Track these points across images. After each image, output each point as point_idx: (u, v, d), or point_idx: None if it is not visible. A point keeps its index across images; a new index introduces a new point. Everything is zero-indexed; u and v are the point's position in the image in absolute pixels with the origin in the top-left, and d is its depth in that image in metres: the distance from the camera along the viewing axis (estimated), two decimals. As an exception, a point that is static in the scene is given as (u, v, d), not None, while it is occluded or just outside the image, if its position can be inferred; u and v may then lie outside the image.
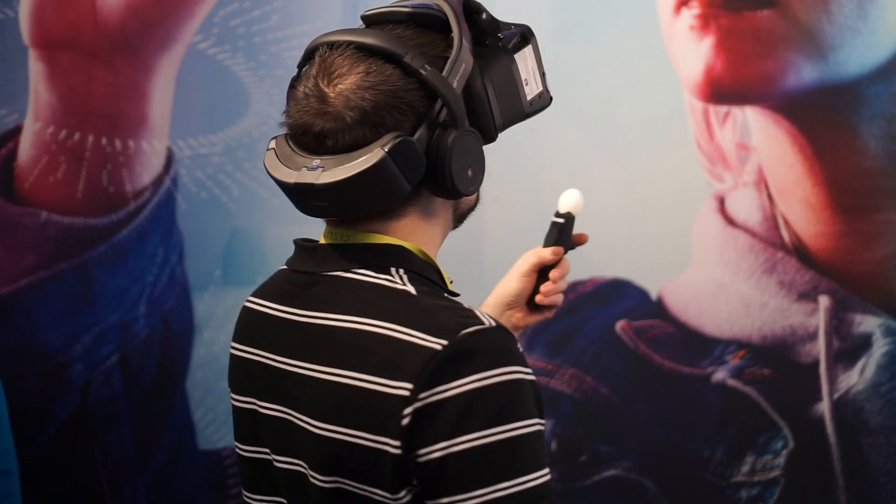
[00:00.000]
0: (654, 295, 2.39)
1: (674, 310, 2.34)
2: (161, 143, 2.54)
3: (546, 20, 2.43)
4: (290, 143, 1.21)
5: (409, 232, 1.23)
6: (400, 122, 1.17)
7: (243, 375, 1.30)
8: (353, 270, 1.20)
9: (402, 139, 1.15)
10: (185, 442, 2.55)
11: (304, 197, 1.19)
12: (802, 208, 2.31)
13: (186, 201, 2.53)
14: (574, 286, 2.40)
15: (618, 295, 2.40)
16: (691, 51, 2.32)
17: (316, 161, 1.17)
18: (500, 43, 1.26)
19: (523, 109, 1.26)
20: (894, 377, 2.25)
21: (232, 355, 1.33)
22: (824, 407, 2.29)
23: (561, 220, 1.51)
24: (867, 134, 2.26)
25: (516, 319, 1.51)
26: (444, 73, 1.18)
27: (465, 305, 1.18)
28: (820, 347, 2.29)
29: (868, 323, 2.27)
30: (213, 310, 2.53)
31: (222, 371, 2.54)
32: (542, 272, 1.50)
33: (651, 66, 2.36)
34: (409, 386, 1.11)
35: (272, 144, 1.23)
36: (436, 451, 1.11)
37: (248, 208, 2.52)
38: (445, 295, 1.21)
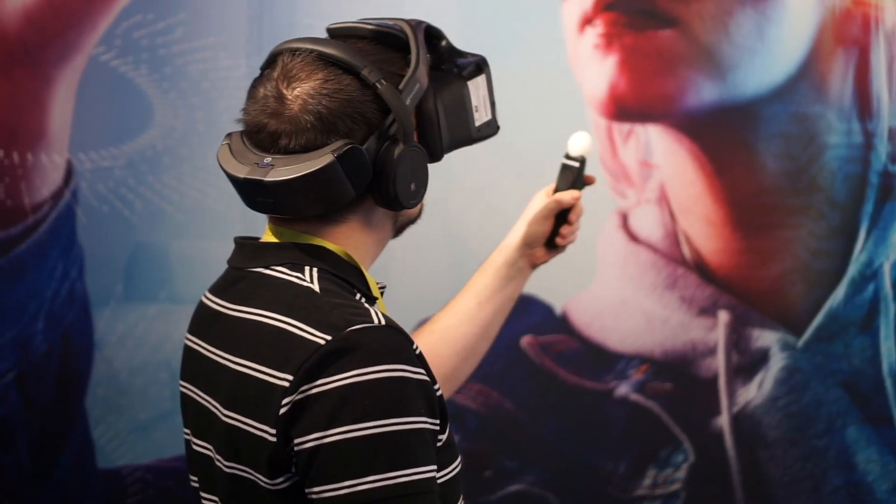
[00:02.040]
0: (558, 310, 2.40)
1: (578, 325, 2.36)
2: (61, 156, 2.49)
3: (452, 36, 2.44)
4: (245, 139, 1.26)
5: (344, 238, 1.28)
6: (352, 131, 1.22)
7: (186, 363, 1.37)
8: (272, 267, 1.26)
9: (352, 146, 1.20)
10: (84, 461, 2.50)
11: (252, 192, 1.24)
12: (703, 225, 2.35)
13: (87, 215, 2.48)
14: (479, 302, 2.41)
15: (523, 310, 2.41)
16: (595, 69, 2.35)
17: (268, 158, 1.22)
18: (455, 69, 1.34)
19: (471, 134, 1.34)
20: (791, 391, 2.30)
21: (184, 345, 1.41)
22: (723, 421, 2.32)
23: (576, 164, 1.62)
24: (765, 153, 2.31)
25: (536, 258, 1.67)
26: (399, 90, 1.24)
27: (366, 306, 1.22)
28: (719, 362, 2.33)
29: (766, 338, 2.31)
30: (114, 326, 2.49)
31: (123, 388, 2.51)
32: (559, 214, 1.65)
33: (556, 84, 2.38)
34: (290, 377, 1.16)
35: (226, 140, 1.28)
36: (309, 441, 1.15)
37: (151, 223, 2.49)
38: (359, 298, 1.25)
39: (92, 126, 2.50)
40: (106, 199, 2.50)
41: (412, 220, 1.36)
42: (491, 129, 1.38)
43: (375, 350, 1.16)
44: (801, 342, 2.30)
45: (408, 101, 1.24)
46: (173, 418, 2.43)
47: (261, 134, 1.24)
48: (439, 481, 1.21)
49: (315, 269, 1.24)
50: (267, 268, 1.26)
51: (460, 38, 2.43)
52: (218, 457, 1.25)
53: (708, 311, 2.33)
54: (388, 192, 1.24)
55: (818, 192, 2.30)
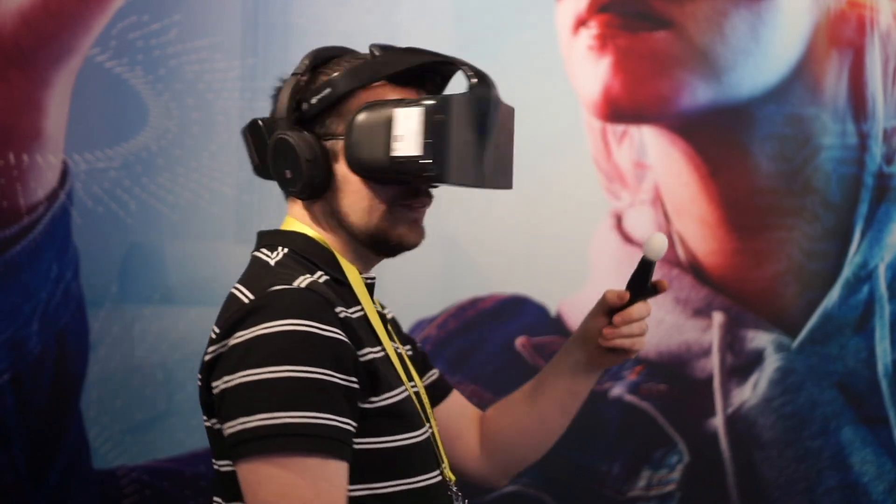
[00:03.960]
0: (552, 311, 2.41)
1: (572, 326, 2.36)
2: (56, 157, 2.49)
3: (448, 39, 2.44)
4: None
5: (317, 222, 1.45)
6: (273, 112, 1.45)
7: None
8: (259, 250, 1.45)
9: (254, 120, 1.46)
10: (80, 462, 2.50)
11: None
12: (697, 226, 2.35)
13: (82, 216, 2.48)
14: (474, 302, 2.41)
15: (517, 311, 2.41)
16: (589, 70, 2.35)
17: None
18: (401, 100, 1.41)
19: (383, 156, 1.38)
20: (786, 392, 2.30)
21: None
22: (718, 422, 2.32)
23: (642, 265, 1.49)
24: (759, 154, 2.31)
25: (592, 356, 1.57)
26: (311, 90, 1.41)
27: (301, 276, 1.36)
28: (714, 363, 2.33)
29: (760, 339, 2.31)
30: (109, 327, 2.49)
31: (118, 389, 2.50)
32: (613, 314, 1.52)
33: (550, 85, 2.39)
34: (218, 330, 1.34)
35: None
36: (220, 384, 1.31)
37: (145, 223, 2.49)
38: (319, 276, 1.39)
39: (87, 127, 2.50)
40: (101, 199, 2.50)
41: (371, 236, 1.43)
42: (415, 166, 1.38)
43: (285, 307, 1.31)
44: (795, 343, 2.30)
45: (313, 101, 1.40)
46: (168, 419, 2.43)
47: None
48: (377, 446, 1.34)
49: (285, 250, 1.42)
50: (257, 250, 1.45)
51: (454, 39, 2.44)
52: (203, 417, 1.42)
53: (702, 312, 2.34)
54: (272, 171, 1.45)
55: (813, 194, 2.31)
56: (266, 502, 1.27)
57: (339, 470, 1.29)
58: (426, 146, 1.37)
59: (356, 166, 1.39)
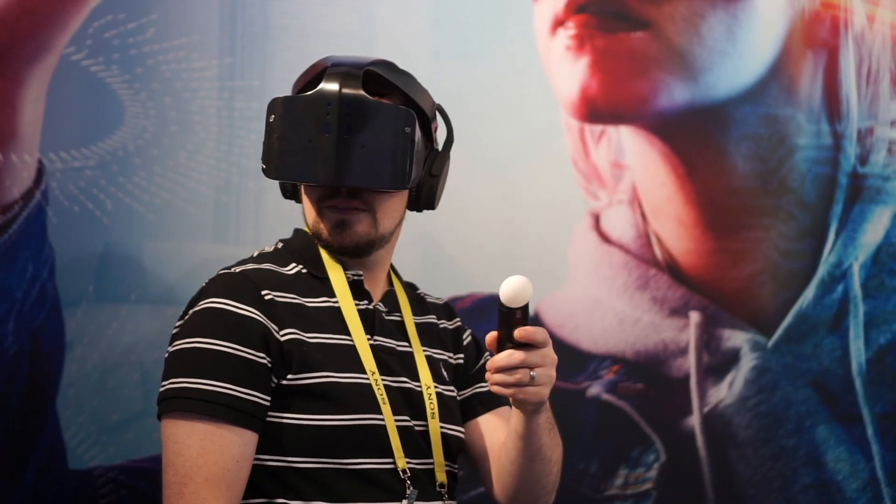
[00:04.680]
0: (531, 311, 2.41)
1: (550, 325, 2.37)
2: (31, 156, 2.48)
3: (425, 39, 2.44)
4: None
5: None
6: None
7: None
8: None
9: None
10: (56, 462, 2.48)
11: None
12: (674, 226, 2.36)
13: (58, 215, 2.47)
14: (453, 301, 2.41)
15: (495, 310, 2.41)
16: (567, 71, 2.35)
17: None
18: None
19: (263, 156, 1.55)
20: (761, 391, 2.31)
21: None
22: (695, 420, 2.33)
23: (498, 313, 1.44)
24: (736, 154, 2.32)
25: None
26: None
27: (253, 265, 1.55)
28: (690, 362, 2.34)
29: (736, 338, 2.32)
30: (86, 326, 2.47)
31: (94, 389, 2.49)
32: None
33: (528, 86, 2.39)
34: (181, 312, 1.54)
35: None
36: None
37: (122, 223, 2.48)
38: (293, 267, 1.58)
39: (63, 126, 2.49)
40: (77, 199, 2.49)
41: (315, 234, 1.59)
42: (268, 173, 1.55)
43: (213, 288, 1.50)
44: (771, 342, 2.32)
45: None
46: (145, 419, 2.42)
47: None
48: (293, 422, 1.46)
49: (280, 244, 1.62)
50: None
51: (432, 39, 2.44)
52: None
53: (679, 311, 2.35)
54: None
55: (788, 194, 2.32)
56: (166, 459, 1.43)
57: (234, 436, 1.42)
58: (263, 146, 1.51)
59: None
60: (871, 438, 2.28)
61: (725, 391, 2.32)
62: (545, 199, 2.40)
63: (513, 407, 1.55)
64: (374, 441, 1.49)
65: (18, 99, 2.48)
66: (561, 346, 2.39)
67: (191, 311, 1.49)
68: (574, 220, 2.39)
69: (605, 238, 2.38)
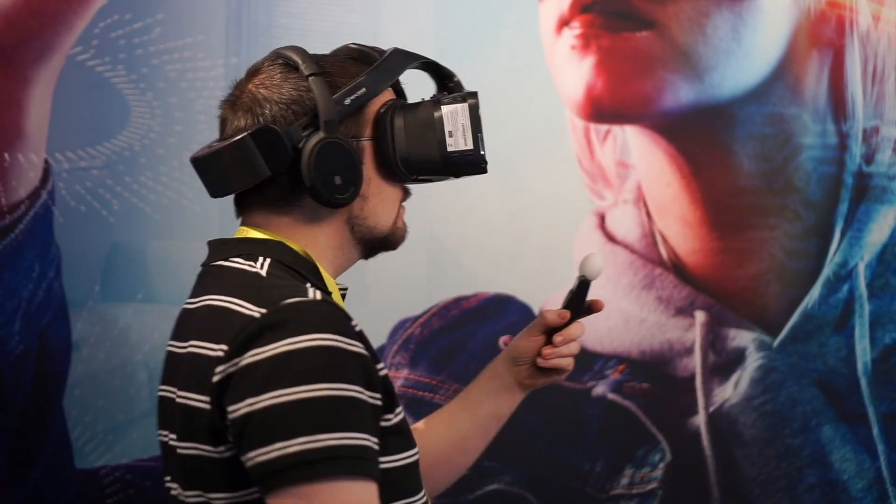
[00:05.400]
0: (536, 310, 2.41)
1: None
2: (38, 156, 2.48)
3: (430, 38, 2.44)
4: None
5: (291, 232, 1.34)
6: (277, 116, 1.31)
7: (164, 367, 1.39)
8: (230, 259, 1.32)
9: (267, 126, 1.30)
10: (62, 461, 2.49)
11: (196, 172, 1.35)
12: (679, 225, 2.36)
13: (64, 215, 2.48)
14: (458, 301, 2.41)
15: (501, 310, 2.42)
16: (572, 70, 2.35)
17: (213, 142, 1.35)
18: (437, 98, 1.39)
19: (436, 153, 1.36)
20: (767, 391, 2.31)
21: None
22: (700, 420, 2.33)
23: (575, 284, 1.50)
24: (741, 153, 2.32)
25: (522, 377, 1.56)
26: (341, 90, 1.31)
27: (307, 287, 1.26)
28: (696, 362, 2.34)
29: (742, 337, 2.32)
30: (92, 326, 2.48)
31: (100, 389, 2.50)
32: (549, 333, 1.52)
33: (533, 85, 2.39)
34: (225, 348, 1.21)
35: None
36: (242, 408, 1.18)
37: (128, 223, 2.48)
38: (310, 287, 1.27)
39: (69, 126, 2.49)
40: (83, 199, 2.49)
41: (380, 239, 1.38)
42: (469, 157, 1.39)
43: (308, 320, 1.20)
44: (776, 342, 2.32)
45: (347, 101, 1.31)
46: (152, 418, 2.43)
47: (221, 123, 1.37)
48: (390, 465, 1.25)
49: (268, 259, 1.31)
50: (226, 260, 1.32)
51: (437, 38, 2.44)
52: (174, 440, 1.29)
53: (685, 311, 2.35)
54: (303, 178, 1.29)
55: (793, 193, 2.32)
56: None
57: (376, 492, 1.20)
58: (476, 140, 1.40)
59: (405, 166, 1.36)
60: (876, 438, 2.28)
61: (731, 391, 2.32)
62: (550, 198, 2.40)
63: (517, 386, 1.56)
64: (418, 472, 1.36)
65: (25, 99, 2.49)
66: (566, 345, 2.39)
67: (284, 352, 1.19)
68: (579, 220, 2.39)
69: (610, 237, 2.38)
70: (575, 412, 2.37)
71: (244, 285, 1.27)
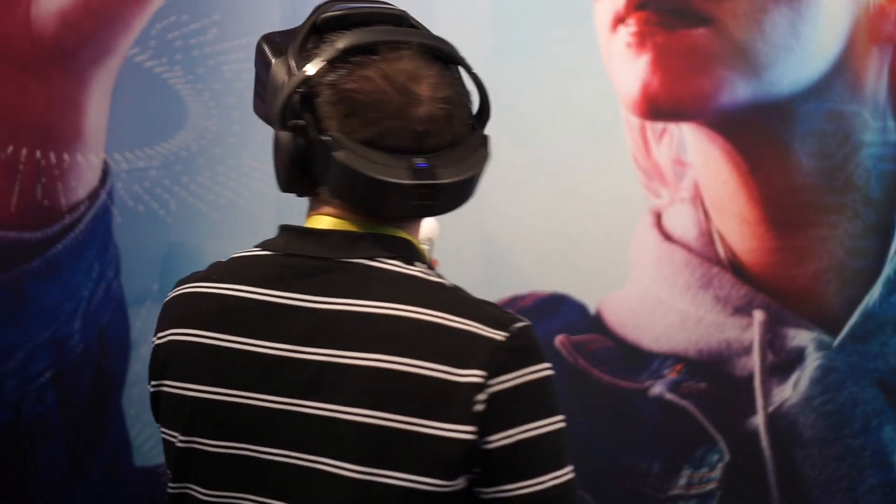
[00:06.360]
0: (592, 309, 2.40)
1: (612, 324, 2.36)
2: (97, 157, 2.51)
3: (486, 36, 2.44)
4: (367, 146, 1.17)
5: (412, 229, 1.25)
6: (465, 120, 1.22)
7: (204, 363, 1.23)
8: (379, 259, 1.18)
9: (489, 137, 1.22)
10: (121, 458, 2.52)
11: (420, 196, 1.17)
12: (737, 224, 2.34)
13: (123, 215, 2.50)
14: (513, 300, 2.41)
15: (556, 309, 2.41)
16: (628, 68, 2.34)
17: (419, 160, 1.17)
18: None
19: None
20: (826, 391, 2.29)
21: (179, 342, 1.26)
22: (759, 420, 2.32)
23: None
24: (800, 151, 2.30)
25: None
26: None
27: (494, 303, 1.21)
28: (754, 361, 2.32)
29: (801, 337, 2.30)
30: (150, 325, 2.50)
31: (159, 387, 2.52)
32: None
33: (589, 83, 2.38)
34: (482, 373, 1.13)
35: (344, 155, 1.16)
36: (507, 437, 1.14)
37: (185, 222, 2.50)
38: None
39: (127, 127, 2.52)
40: (141, 198, 2.52)
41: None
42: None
43: (540, 348, 1.18)
44: (836, 341, 2.29)
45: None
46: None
47: (395, 137, 1.17)
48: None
49: (423, 266, 1.21)
50: (371, 259, 1.19)
51: (492, 37, 2.44)
52: (342, 464, 1.15)
53: (742, 310, 2.33)
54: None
55: (853, 191, 2.29)
56: None
57: None
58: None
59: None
60: (939, 439, 2.25)
61: (790, 391, 2.30)
62: (606, 197, 2.39)
63: None
64: None
65: (83, 100, 2.52)
66: (622, 344, 2.38)
67: (538, 378, 1.16)
68: (635, 219, 2.38)
69: (666, 236, 2.37)
70: (632, 412, 2.36)
71: (440, 298, 1.17)
